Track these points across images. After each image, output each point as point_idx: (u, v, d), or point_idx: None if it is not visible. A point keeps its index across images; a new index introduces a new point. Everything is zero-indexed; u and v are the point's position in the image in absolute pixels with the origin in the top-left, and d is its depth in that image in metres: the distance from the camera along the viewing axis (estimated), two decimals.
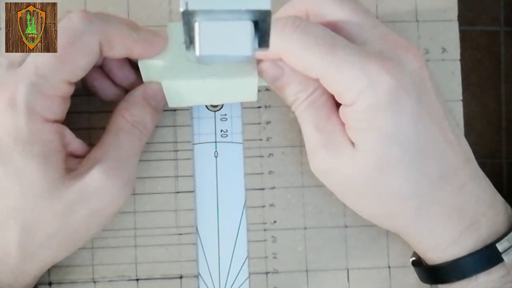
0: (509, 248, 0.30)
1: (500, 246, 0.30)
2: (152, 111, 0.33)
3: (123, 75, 0.34)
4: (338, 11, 0.31)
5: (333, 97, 0.32)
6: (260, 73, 0.32)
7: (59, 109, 0.30)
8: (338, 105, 0.32)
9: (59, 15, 0.31)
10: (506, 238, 0.30)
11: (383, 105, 0.29)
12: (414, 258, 0.35)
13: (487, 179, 0.32)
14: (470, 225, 0.31)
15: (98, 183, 0.30)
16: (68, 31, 0.29)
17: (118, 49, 0.31)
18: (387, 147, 0.29)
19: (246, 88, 0.33)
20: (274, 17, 0.31)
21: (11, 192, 0.28)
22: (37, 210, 0.29)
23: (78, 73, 0.30)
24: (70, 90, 0.30)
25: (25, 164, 0.28)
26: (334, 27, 0.31)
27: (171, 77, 0.32)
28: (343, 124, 0.31)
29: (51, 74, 0.29)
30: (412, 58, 0.30)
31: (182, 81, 0.32)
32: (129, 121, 0.32)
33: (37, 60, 0.29)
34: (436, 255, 0.32)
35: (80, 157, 0.31)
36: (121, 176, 0.31)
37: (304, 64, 0.30)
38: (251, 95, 0.34)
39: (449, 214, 0.31)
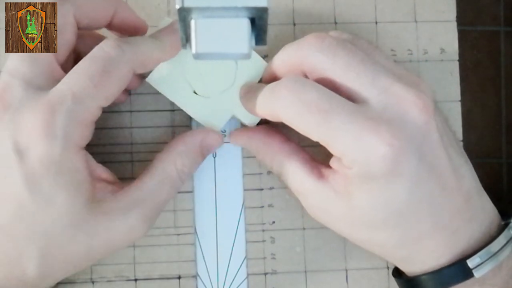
0: (480, 264, 0.30)
1: (470, 263, 0.30)
2: (200, 162, 0.33)
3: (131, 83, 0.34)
4: (333, 67, 0.29)
5: (300, 152, 0.33)
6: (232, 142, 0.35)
7: (90, 134, 0.30)
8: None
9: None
10: (477, 254, 0.30)
11: (378, 175, 0.28)
12: (393, 268, 0.35)
13: (489, 210, 0.32)
14: (459, 257, 0.30)
15: (131, 228, 0.30)
16: (103, 59, 0.29)
17: (149, 67, 0.32)
18: (376, 209, 0.29)
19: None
20: (267, 64, 0.33)
21: (37, 219, 0.28)
22: (60, 239, 0.29)
23: (111, 99, 0.30)
24: (99, 114, 0.30)
25: (54, 193, 0.28)
26: (332, 85, 0.30)
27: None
28: (320, 177, 0.31)
29: (89, 100, 0.28)
30: (418, 113, 0.29)
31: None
32: (178, 171, 0.32)
33: (74, 86, 0.28)
34: (415, 268, 0.32)
35: (107, 181, 0.31)
36: (151, 222, 0.31)
37: (301, 129, 0.29)
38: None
39: (440, 254, 0.30)
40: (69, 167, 0.28)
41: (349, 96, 0.29)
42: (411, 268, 0.32)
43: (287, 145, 0.33)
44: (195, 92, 0.34)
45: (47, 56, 0.29)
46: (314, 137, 0.29)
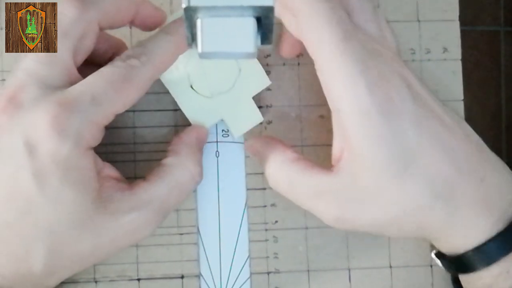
0: None
1: None
2: (201, 158, 0.34)
3: None
4: None
5: (302, 158, 0.32)
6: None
7: (100, 137, 0.30)
8: None
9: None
10: None
11: (378, 110, 0.28)
12: (435, 251, 0.34)
13: (507, 168, 0.31)
14: (499, 217, 0.30)
15: (136, 228, 0.30)
16: (125, 68, 0.29)
17: (168, 67, 0.32)
18: (392, 155, 0.28)
19: None
20: None
21: (44, 216, 0.28)
22: (66, 238, 0.29)
23: (128, 106, 0.30)
24: (112, 119, 0.30)
25: (62, 191, 0.28)
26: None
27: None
28: (327, 171, 0.30)
29: (107, 105, 0.29)
30: (398, 64, 0.30)
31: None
32: (192, 174, 0.32)
33: (95, 89, 0.28)
34: (457, 246, 0.31)
35: (116, 179, 0.31)
36: (157, 224, 0.31)
37: (315, 37, 0.29)
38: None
39: (476, 211, 0.29)
40: (78, 165, 0.28)
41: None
42: (456, 242, 0.31)
43: (296, 153, 0.33)
44: (192, 87, 0.34)
45: (66, 58, 0.29)
46: (322, 51, 0.29)
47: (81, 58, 0.31)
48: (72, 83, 0.29)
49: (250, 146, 0.35)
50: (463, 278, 0.32)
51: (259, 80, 0.35)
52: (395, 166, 0.29)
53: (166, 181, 0.31)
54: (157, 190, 0.31)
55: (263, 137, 0.35)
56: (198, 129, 0.34)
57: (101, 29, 0.31)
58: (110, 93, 0.29)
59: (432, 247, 0.34)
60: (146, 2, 0.32)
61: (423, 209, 0.29)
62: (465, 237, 0.30)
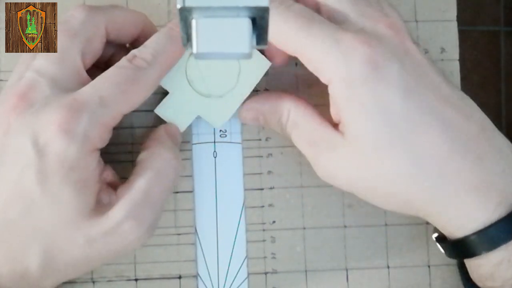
0: None
1: None
2: (178, 151, 0.34)
3: None
4: None
5: (311, 106, 0.32)
6: (241, 119, 0.35)
7: (108, 139, 0.30)
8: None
9: None
10: None
11: (361, 78, 0.28)
12: (437, 234, 0.33)
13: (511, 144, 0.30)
14: (500, 202, 0.28)
15: (134, 239, 0.29)
16: (131, 69, 0.30)
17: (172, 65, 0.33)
18: (375, 126, 0.28)
19: None
20: None
21: (44, 215, 0.28)
22: (61, 240, 0.29)
23: (134, 107, 0.31)
24: (120, 120, 0.30)
25: (63, 190, 0.28)
26: (315, 4, 0.32)
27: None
28: (331, 126, 0.31)
29: (114, 106, 0.29)
30: (393, 34, 0.30)
31: None
32: (165, 159, 0.31)
33: (103, 91, 0.29)
34: (455, 228, 0.30)
35: (112, 186, 0.31)
36: (145, 221, 0.30)
37: (282, 37, 0.30)
38: None
39: (474, 190, 0.28)
40: (82, 166, 0.29)
41: (328, 16, 0.31)
42: (454, 224, 0.30)
43: (303, 98, 0.33)
44: (185, 71, 0.34)
45: (75, 60, 0.30)
46: (294, 46, 0.30)
47: (89, 60, 0.31)
48: (81, 84, 0.30)
49: (251, 108, 0.34)
50: (466, 264, 0.31)
51: (222, 113, 0.35)
52: (377, 137, 0.29)
53: (142, 174, 0.30)
54: (137, 186, 0.30)
55: (264, 94, 0.35)
56: (165, 126, 0.34)
57: (108, 36, 0.32)
58: (117, 94, 0.29)
59: (435, 230, 0.34)
60: (152, 25, 0.34)
61: (405, 183, 0.29)
62: (463, 219, 0.29)
